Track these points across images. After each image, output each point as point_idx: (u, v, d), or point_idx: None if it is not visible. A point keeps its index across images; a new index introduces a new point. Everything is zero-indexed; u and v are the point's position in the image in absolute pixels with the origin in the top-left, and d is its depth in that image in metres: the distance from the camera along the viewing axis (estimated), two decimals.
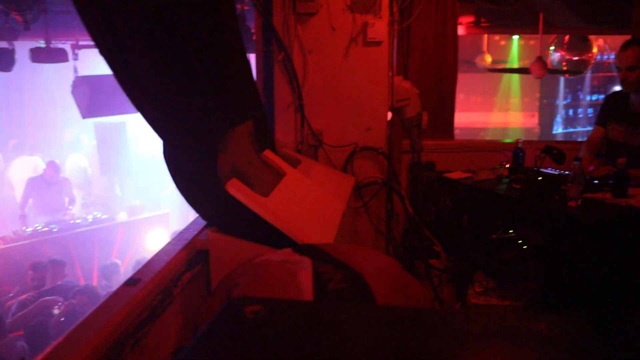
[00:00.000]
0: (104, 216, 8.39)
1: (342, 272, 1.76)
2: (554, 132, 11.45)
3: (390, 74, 3.56)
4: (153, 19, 1.85)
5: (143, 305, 1.74)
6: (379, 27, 3.44)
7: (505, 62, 9.54)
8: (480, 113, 10.93)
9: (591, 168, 3.50)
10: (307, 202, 2.61)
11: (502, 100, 11.23)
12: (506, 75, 10.69)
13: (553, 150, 3.28)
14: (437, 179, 3.83)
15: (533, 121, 11.45)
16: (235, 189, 2.18)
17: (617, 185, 3.07)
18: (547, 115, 11.47)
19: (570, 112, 11.56)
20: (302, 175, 2.84)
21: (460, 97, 9.61)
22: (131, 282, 1.81)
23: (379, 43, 3.47)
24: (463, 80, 9.68)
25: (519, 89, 11.19)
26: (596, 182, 3.21)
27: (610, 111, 3.80)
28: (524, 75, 8.96)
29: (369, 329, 1.24)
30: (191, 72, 2.04)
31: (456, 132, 4.63)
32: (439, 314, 1.37)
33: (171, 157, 2.23)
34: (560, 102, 11.54)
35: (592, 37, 7.00)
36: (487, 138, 10.51)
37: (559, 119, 11.58)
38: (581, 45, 7.02)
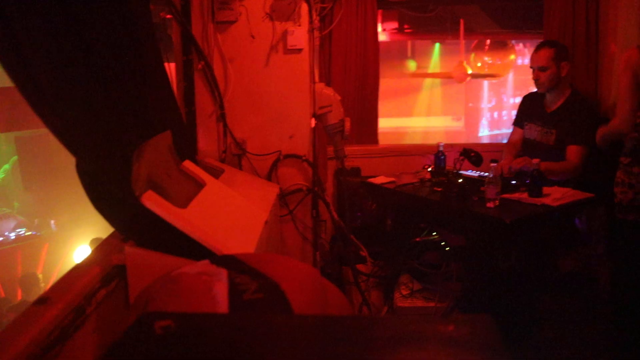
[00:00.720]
0: (29, 232, 8.12)
1: (258, 282, 1.74)
2: (480, 134, 11.76)
3: (312, 81, 3.57)
4: (59, 25, 1.79)
5: (52, 326, 1.68)
6: (299, 35, 3.46)
7: (428, 67, 9.74)
8: (408, 118, 11.12)
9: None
10: (228, 212, 2.59)
11: (429, 105, 11.46)
12: (433, 80, 10.92)
13: (470, 153, 3.36)
14: (362, 184, 3.87)
15: (459, 124, 11.73)
16: (151, 202, 2.14)
17: (533, 185, 3.17)
18: (472, 118, 11.78)
19: (495, 114, 11.91)
20: (223, 185, 2.81)
21: (387, 103, 9.79)
22: (40, 301, 1.75)
23: (299, 50, 3.48)
24: (390, 85, 9.86)
25: (445, 93, 11.45)
26: (514, 182, 3.31)
27: (526, 112, 3.95)
28: (450, 80, 9.18)
29: (282, 339, 1.23)
30: (102, 82, 1.98)
31: (384, 136, 4.69)
32: (352, 321, 1.37)
33: (83, 170, 2.17)
34: (485, 105, 11.87)
35: (512, 42, 7.24)
36: (417, 142, 10.69)
37: (484, 121, 11.91)
38: (501, 49, 7.26)
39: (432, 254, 3.46)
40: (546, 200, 3.10)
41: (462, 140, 11.08)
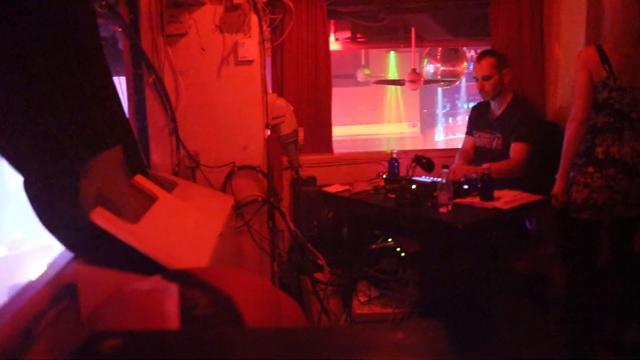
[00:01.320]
0: None
1: (209, 296, 1.73)
2: (436, 139, 11.93)
3: (265, 92, 3.58)
4: None
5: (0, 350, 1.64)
6: (250, 46, 3.46)
7: (384, 75, 9.84)
8: (366, 125, 11.21)
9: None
10: (181, 226, 2.57)
11: (386, 112, 11.57)
12: (389, 88, 11.02)
13: (422, 160, 3.42)
14: (317, 193, 3.88)
15: (416, 130, 11.88)
16: (101, 218, 2.11)
17: (484, 189, 3.23)
18: (428, 124, 11.95)
19: (450, 120, 12.09)
20: (176, 199, 2.79)
21: (344, 111, 9.85)
22: None
23: (250, 62, 3.49)
24: (346, 93, 9.93)
25: (401, 100, 11.57)
26: (465, 187, 3.37)
27: (474, 121, 4.07)
28: (406, 87, 9.28)
29: (234, 354, 1.23)
30: (47, 98, 1.96)
31: (343, 145, 4.72)
32: (305, 332, 1.39)
33: (30, 188, 2.13)
34: (440, 111, 12.06)
35: (463, 49, 7.35)
36: (375, 150, 10.76)
37: (439, 127, 12.08)
38: (452, 56, 7.36)
39: (388, 261, 3.49)
40: (497, 204, 3.16)
41: (419, 146, 11.22)
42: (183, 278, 1.87)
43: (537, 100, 4.28)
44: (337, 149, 4.61)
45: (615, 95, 2.96)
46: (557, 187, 3.14)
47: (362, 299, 3.58)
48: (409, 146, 10.10)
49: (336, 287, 3.77)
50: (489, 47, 4.27)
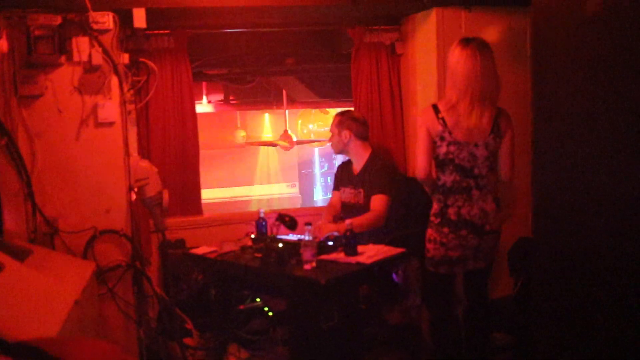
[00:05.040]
0: None
1: None
2: (315, 198, 12.11)
3: (127, 154, 3.52)
4: None
5: None
6: (110, 108, 3.41)
7: (260, 136, 9.94)
8: (245, 187, 11.21)
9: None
10: (29, 296, 2.43)
11: (264, 173, 11.65)
12: (267, 149, 11.14)
13: (285, 218, 3.46)
14: (186, 256, 3.81)
15: (295, 191, 12.01)
16: None
17: (347, 245, 3.31)
18: (306, 184, 12.12)
19: (329, 179, 12.34)
20: (25, 267, 2.65)
21: (221, 173, 9.82)
22: None
23: (111, 124, 3.43)
24: (223, 155, 9.92)
25: (278, 161, 11.70)
26: (330, 243, 3.42)
27: (340, 177, 4.23)
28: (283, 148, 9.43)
29: None
30: None
31: (220, 207, 4.68)
32: None
33: None
34: (318, 170, 12.28)
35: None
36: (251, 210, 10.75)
37: (318, 186, 12.29)
38: (324, 117, 7.62)
39: (257, 321, 3.46)
40: (360, 259, 3.24)
41: (298, 205, 11.32)
42: (20, 350, 1.76)
43: (399, 158, 4.48)
44: (215, 211, 4.57)
45: (453, 149, 3.14)
46: None
47: None
48: (288, 206, 10.18)
49: (206, 351, 3.68)
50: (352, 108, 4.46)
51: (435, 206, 3.25)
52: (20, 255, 2.82)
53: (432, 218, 3.25)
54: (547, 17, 2.12)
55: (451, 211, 3.17)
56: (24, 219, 3.35)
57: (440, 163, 3.19)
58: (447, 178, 3.18)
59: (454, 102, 3.12)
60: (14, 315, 2.16)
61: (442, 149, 3.15)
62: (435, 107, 3.18)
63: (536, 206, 2.25)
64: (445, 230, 3.18)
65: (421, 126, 3.20)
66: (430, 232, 3.25)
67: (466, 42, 3.14)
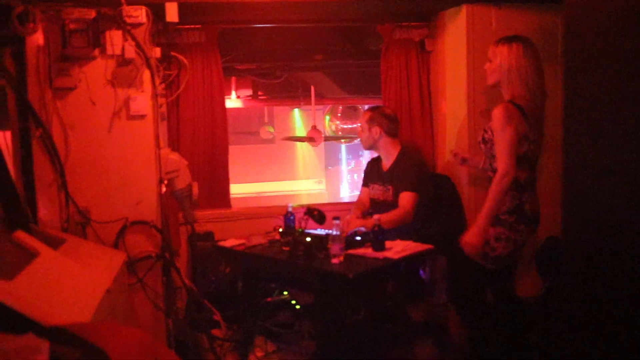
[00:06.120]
0: None
1: (82, 350, 1.68)
2: (341, 195, 12.10)
3: (158, 147, 3.56)
4: None
5: None
6: (142, 101, 3.46)
7: (289, 132, 9.96)
8: (273, 182, 11.26)
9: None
10: (63, 283, 2.48)
11: (292, 169, 11.70)
12: (294, 145, 11.17)
13: (314, 212, 3.47)
14: (214, 248, 3.85)
15: (321, 187, 12.03)
16: None
17: (375, 240, 3.31)
18: (333, 180, 12.13)
19: (355, 176, 12.34)
20: (59, 255, 2.70)
21: (249, 168, 9.87)
22: None
23: (142, 117, 3.48)
24: (251, 151, 9.98)
25: (306, 157, 11.74)
26: (358, 239, 3.43)
27: (369, 173, 4.22)
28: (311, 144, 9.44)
29: None
30: None
31: (248, 202, 4.72)
32: None
33: None
34: (345, 167, 12.28)
35: (361, 107, 7.60)
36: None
37: (344, 183, 12.29)
38: (352, 114, 7.61)
39: (284, 314, 3.48)
40: (388, 254, 3.24)
41: (325, 202, 11.33)
42: (56, 334, 1.81)
43: (428, 155, 4.47)
44: (242, 205, 4.61)
45: (532, 147, 3.12)
46: (479, 238, 3.14)
47: (259, 354, 3.54)
48: (314, 202, 10.20)
49: (233, 343, 3.72)
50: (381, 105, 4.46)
51: (507, 204, 3.13)
52: (54, 243, 2.88)
53: (504, 217, 3.13)
54: (581, 14, 2.10)
55: (527, 207, 3.12)
56: (58, 209, 3.41)
57: (517, 160, 3.09)
58: (520, 174, 3.11)
59: (528, 100, 3.10)
60: (49, 301, 2.21)
61: (524, 148, 3.09)
62: (518, 106, 3.08)
63: (566, 207, 2.22)
64: (522, 227, 3.12)
65: (509, 125, 3.04)
66: (501, 231, 3.13)
67: (523, 39, 3.15)
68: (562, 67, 2.18)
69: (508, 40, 3.17)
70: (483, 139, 3.24)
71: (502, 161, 3.06)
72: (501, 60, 3.16)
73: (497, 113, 3.08)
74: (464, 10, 3.99)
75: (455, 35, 4.13)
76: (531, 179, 3.17)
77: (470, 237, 3.15)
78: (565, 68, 2.30)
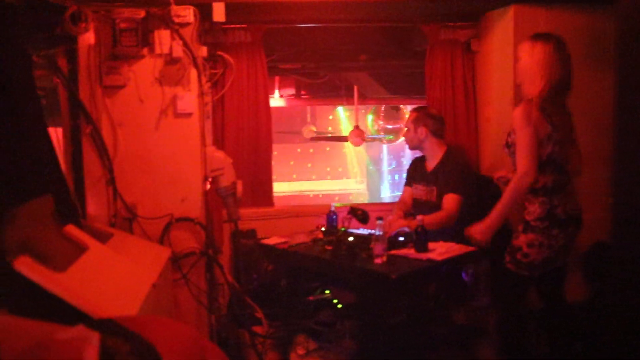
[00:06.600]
0: None
1: (131, 344, 1.71)
2: (382, 195, 12.07)
3: (203, 145, 3.61)
4: None
5: None
6: (189, 100, 3.51)
7: (331, 131, 9.98)
8: (313, 181, 11.29)
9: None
10: (111, 276, 2.54)
11: (332, 168, 11.71)
12: (336, 144, 11.18)
13: (357, 212, 3.47)
14: (257, 246, 3.88)
15: (362, 187, 12.01)
16: (25, 266, 2.07)
17: (418, 241, 3.29)
18: (374, 180, 12.10)
19: (396, 177, 12.28)
20: (107, 249, 2.76)
21: (291, 167, 9.92)
22: None
23: (189, 115, 3.53)
24: (293, 150, 10.02)
25: (350, 157, 11.74)
26: (401, 239, 3.42)
27: (412, 173, 4.20)
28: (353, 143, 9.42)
29: None
30: None
31: (289, 200, 4.74)
32: None
33: None
34: (386, 168, 12.23)
35: (404, 107, 7.57)
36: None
37: (386, 183, 12.25)
38: (394, 114, 7.58)
39: (326, 312, 3.49)
40: (431, 255, 3.22)
41: (365, 202, 11.31)
42: (105, 326, 1.84)
43: (472, 156, 4.43)
44: (283, 204, 4.64)
45: (557, 149, 3.06)
46: (484, 236, 3.18)
47: (301, 352, 3.55)
48: (356, 202, 10.20)
49: (274, 340, 3.74)
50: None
51: (538, 210, 3.08)
52: (102, 237, 2.95)
53: (535, 223, 3.08)
54: (635, 15, 2.05)
55: (560, 211, 3.07)
56: (106, 204, 3.49)
57: (541, 164, 3.05)
58: (547, 179, 3.07)
59: (551, 98, 3.05)
60: (97, 294, 2.26)
61: (548, 149, 3.05)
62: (539, 106, 3.04)
63: (617, 212, 2.18)
64: (555, 232, 3.07)
65: (527, 125, 3.01)
66: (534, 237, 3.09)
67: (549, 37, 3.09)
68: (614, 69, 2.13)
69: (533, 38, 3.13)
70: (507, 142, 3.20)
71: (521, 162, 3.04)
72: (524, 58, 3.12)
73: (517, 113, 3.07)
74: (512, 10, 3.93)
75: (502, 36, 4.08)
76: (561, 181, 3.11)
77: (477, 233, 3.19)
78: (618, 71, 2.25)
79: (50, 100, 3.60)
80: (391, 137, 7.75)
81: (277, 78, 5.76)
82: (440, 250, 3.30)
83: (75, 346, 1.74)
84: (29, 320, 2.17)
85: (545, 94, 3.04)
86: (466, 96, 4.44)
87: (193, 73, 3.53)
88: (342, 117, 9.78)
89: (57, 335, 1.84)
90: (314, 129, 9.21)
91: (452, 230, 3.75)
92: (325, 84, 5.81)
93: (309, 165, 10.99)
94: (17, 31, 2.57)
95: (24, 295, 2.13)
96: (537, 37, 3.13)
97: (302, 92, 6.14)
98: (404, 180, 4.34)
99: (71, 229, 2.65)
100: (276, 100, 5.88)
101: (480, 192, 4.00)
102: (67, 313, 2.11)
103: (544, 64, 3.04)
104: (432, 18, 4.41)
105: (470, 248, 3.37)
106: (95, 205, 3.48)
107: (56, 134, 3.35)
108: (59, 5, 3.18)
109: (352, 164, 11.84)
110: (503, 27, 4.06)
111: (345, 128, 9.76)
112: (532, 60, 3.08)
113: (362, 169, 12.09)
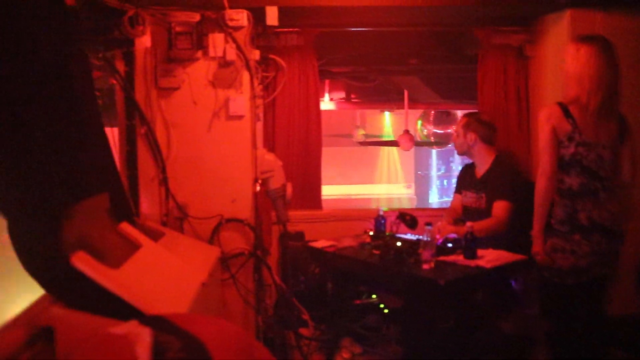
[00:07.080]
0: None
1: (182, 341, 1.75)
2: (430, 201, 11.98)
3: (254, 147, 3.65)
4: None
5: None
6: (241, 102, 3.56)
7: (380, 135, 9.97)
8: (362, 185, 11.30)
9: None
10: (163, 274, 2.59)
11: (382, 172, 11.69)
12: (385, 148, 11.15)
13: (406, 217, 3.46)
14: (304, 248, 3.90)
15: (410, 192, 11.96)
16: (82, 262, 2.14)
17: (467, 247, 3.26)
18: (422, 185, 12.03)
19: (445, 182, 12.17)
20: (160, 247, 2.82)
21: (340, 170, 9.94)
22: None
23: (241, 117, 3.58)
24: (343, 153, 10.04)
25: (397, 162, 11.70)
26: (450, 245, 3.39)
27: (462, 180, 4.16)
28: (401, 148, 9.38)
29: None
30: (31, 142, 2.01)
31: (337, 203, 4.75)
32: None
33: (14, 231, 2.16)
34: (435, 173, 12.15)
35: (455, 112, 7.49)
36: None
37: (434, 189, 12.16)
38: (445, 119, 7.51)
39: (372, 317, 3.48)
40: (480, 262, 3.19)
41: (414, 207, 11.25)
42: (158, 323, 1.89)
43: (524, 163, 4.35)
44: (332, 207, 4.64)
45: (581, 150, 3.02)
46: (537, 245, 3.15)
47: (346, 356, 3.55)
48: (403, 206, 10.16)
49: (320, 342, 3.75)
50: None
51: (559, 213, 3.10)
52: (154, 236, 3.01)
53: (557, 226, 3.10)
54: None
55: (582, 216, 3.04)
56: (158, 203, 3.57)
57: (565, 165, 3.07)
58: (573, 181, 3.05)
59: (583, 101, 3.01)
60: (150, 291, 2.32)
61: (570, 150, 3.04)
62: (562, 105, 3.06)
63: None
64: (577, 237, 3.05)
65: (545, 124, 3.06)
66: (556, 242, 3.10)
67: (592, 39, 3.04)
68: None
69: (578, 40, 3.09)
70: None
71: (540, 160, 3.12)
72: (569, 61, 3.09)
73: (539, 115, 3.14)
74: (567, 15, 3.85)
75: (557, 41, 3.99)
76: (590, 187, 3.05)
77: (534, 255, 3.19)
78: None
79: (106, 100, 3.71)
80: (441, 142, 7.67)
81: (327, 81, 5.79)
82: (490, 257, 3.26)
83: (129, 341, 1.78)
84: (84, 313, 2.23)
85: (576, 96, 3.03)
86: (518, 102, 4.36)
87: (245, 76, 3.58)
88: (390, 121, 9.76)
89: (111, 330, 1.89)
90: (363, 132, 9.21)
91: (502, 238, 3.70)
92: (375, 88, 5.81)
93: (358, 168, 11.01)
94: (77, 34, 2.65)
95: (80, 289, 2.20)
96: (582, 39, 3.08)
97: (352, 96, 6.14)
98: (452, 186, 4.30)
99: (125, 227, 2.72)
100: (326, 104, 5.90)
101: (531, 199, 3.93)
102: (120, 309, 2.16)
103: (589, 67, 3.00)
104: (484, 22, 4.35)
105: (520, 256, 3.33)
106: (148, 204, 3.56)
107: (112, 134, 3.45)
108: (118, 9, 3.27)
109: (401, 168, 11.79)
110: (558, 32, 3.98)
111: (392, 132, 9.75)
112: (577, 64, 3.03)
113: (410, 174, 12.04)
